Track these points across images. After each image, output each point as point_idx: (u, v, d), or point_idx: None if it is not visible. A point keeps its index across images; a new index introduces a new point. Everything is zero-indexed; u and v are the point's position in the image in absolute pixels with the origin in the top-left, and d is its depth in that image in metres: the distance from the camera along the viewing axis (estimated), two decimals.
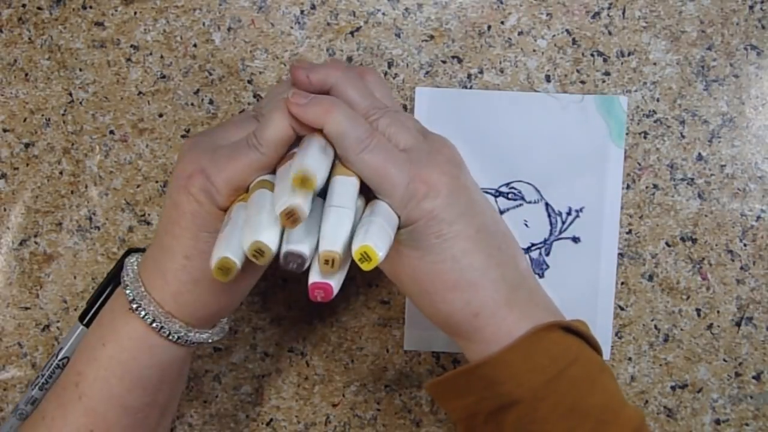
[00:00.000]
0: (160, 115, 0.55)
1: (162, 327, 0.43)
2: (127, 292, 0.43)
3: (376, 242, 0.37)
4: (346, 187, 0.40)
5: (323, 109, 0.40)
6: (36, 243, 0.56)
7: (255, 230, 0.38)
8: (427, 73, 0.54)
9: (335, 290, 0.38)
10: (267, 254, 0.37)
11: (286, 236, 0.38)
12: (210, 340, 0.45)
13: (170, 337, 0.43)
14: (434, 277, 0.41)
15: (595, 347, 0.43)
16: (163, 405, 0.46)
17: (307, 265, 0.38)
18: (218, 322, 0.47)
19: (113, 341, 0.43)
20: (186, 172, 0.42)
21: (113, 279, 0.52)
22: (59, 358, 0.52)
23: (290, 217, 0.37)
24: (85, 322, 0.52)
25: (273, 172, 0.42)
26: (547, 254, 0.54)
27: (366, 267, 0.37)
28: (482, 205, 0.43)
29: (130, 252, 0.48)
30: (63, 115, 0.56)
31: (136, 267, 0.45)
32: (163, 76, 0.55)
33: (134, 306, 0.43)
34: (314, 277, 0.38)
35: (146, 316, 0.43)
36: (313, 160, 0.38)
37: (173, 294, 0.43)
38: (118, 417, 0.43)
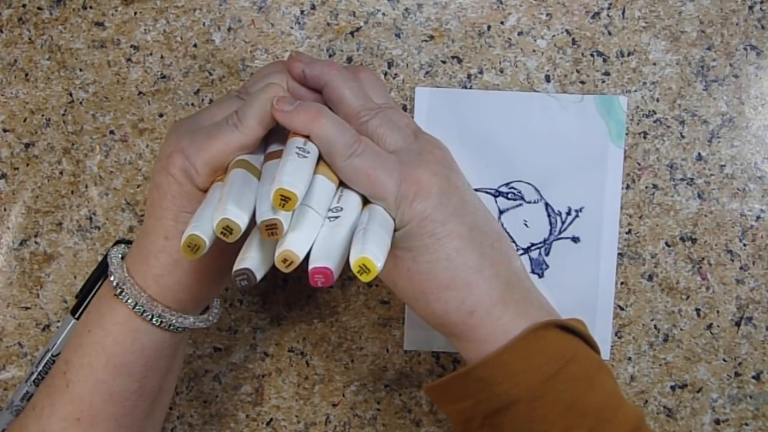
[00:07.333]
0: (161, 115, 0.55)
1: (144, 311, 0.43)
2: (112, 278, 0.44)
3: (374, 252, 0.37)
4: (323, 189, 0.40)
5: (310, 116, 0.40)
6: (36, 243, 0.56)
7: (224, 208, 0.37)
8: (427, 73, 0.54)
9: (335, 275, 0.37)
10: (235, 232, 0.37)
11: (239, 256, 0.38)
12: (194, 326, 0.45)
13: (153, 321, 0.43)
14: (429, 277, 0.41)
15: (593, 346, 0.43)
16: (152, 394, 0.46)
17: (257, 280, 0.38)
18: (207, 307, 0.48)
19: (98, 327, 0.44)
20: (166, 153, 0.42)
21: (103, 272, 0.52)
22: (51, 352, 0.52)
23: (270, 231, 0.37)
24: (76, 315, 0.53)
25: (253, 152, 0.42)
26: (547, 254, 0.54)
27: (365, 279, 0.37)
28: (474, 204, 0.43)
29: (118, 243, 0.48)
30: (63, 115, 0.56)
31: (120, 255, 0.45)
32: (164, 76, 0.55)
33: (118, 291, 0.43)
34: (314, 263, 0.37)
35: (129, 301, 0.43)
36: (293, 177, 0.37)
37: (155, 277, 0.43)
38: (104, 404, 0.43)
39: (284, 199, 0.36)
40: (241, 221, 0.37)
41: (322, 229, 0.39)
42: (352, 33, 0.54)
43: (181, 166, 0.42)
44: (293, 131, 0.41)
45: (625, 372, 0.55)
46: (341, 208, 0.40)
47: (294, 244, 0.37)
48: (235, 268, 0.38)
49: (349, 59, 0.55)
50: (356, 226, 0.39)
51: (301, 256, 0.37)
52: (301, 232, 0.38)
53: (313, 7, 0.54)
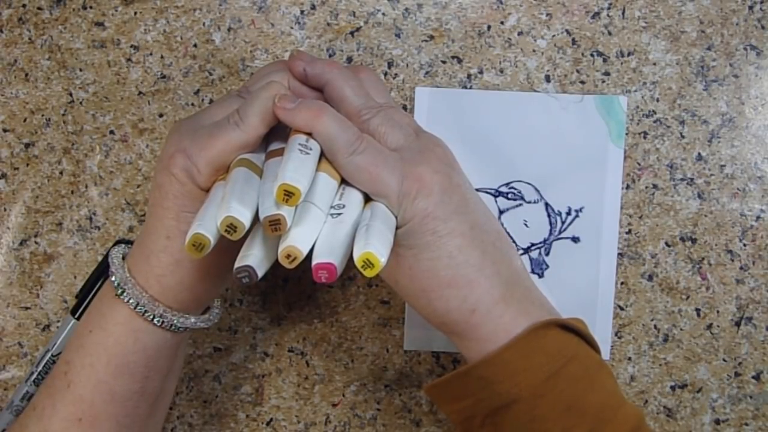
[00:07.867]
0: (161, 115, 0.55)
1: (146, 311, 0.43)
2: (113, 278, 0.44)
3: (377, 248, 0.37)
4: (325, 187, 0.40)
5: (312, 113, 0.40)
6: (36, 243, 0.56)
7: (228, 206, 0.38)
8: (427, 73, 0.54)
9: (339, 271, 0.37)
10: (239, 229, 0.37)
11: (241, 253, 0.38)
12: (195, 326, 0.45)
13: (155, 321, 0.43)
14: (430, 275, 0.41)
15: (593, 345, 0.43)
16: (153, 395, 0.46)
17: (258, 277, 0.38)
18: (207, 307, 0.48)
19: (99, 328, 0.44)
20: (168, 153, 0.42)
21: (104, 272, 0.52)
22: (51, 352, 0.52)
23: (274, 226, 0.37)
24: (76, 315, 0.53)
25: (254, 151, 0.42)
26: (547, 254, 0.54)
27: (369, 273, 0.37)
28: (475, 203, 0.43)
29: (118, 243, 0.48)
30: (63, 115, 0.56)
31: (121, 255, 0.45)
32: (164, 76, 0.55)
33: (119, 291, 0.43)
34: (317, 258, 0.38)
35: (131, 301, 0.43)
36: (296, 172, 0.38)
37: (157, 277, 0.43)
38: (106, 405, 0.43)
39: (288, 194, 0.37)
40: (245, 219, 0.38)
41: (325, 226, 0.39)
42: (352, 33, 0.54)
43: (182, 165, 0.42)
44: (295, 129, 0.41)
45: (625, 372, 0.55)
46: (343, 206, 0.40)
47: (298, 240, 0.37)
48: (237, 265, 0.38)
49: (349, 59, 0.55)
50: (359, 223, 0.39)
51: (305, 252, 0.37)
52: (305, 228, 0.38)
53: (313, 7, 0.54)
